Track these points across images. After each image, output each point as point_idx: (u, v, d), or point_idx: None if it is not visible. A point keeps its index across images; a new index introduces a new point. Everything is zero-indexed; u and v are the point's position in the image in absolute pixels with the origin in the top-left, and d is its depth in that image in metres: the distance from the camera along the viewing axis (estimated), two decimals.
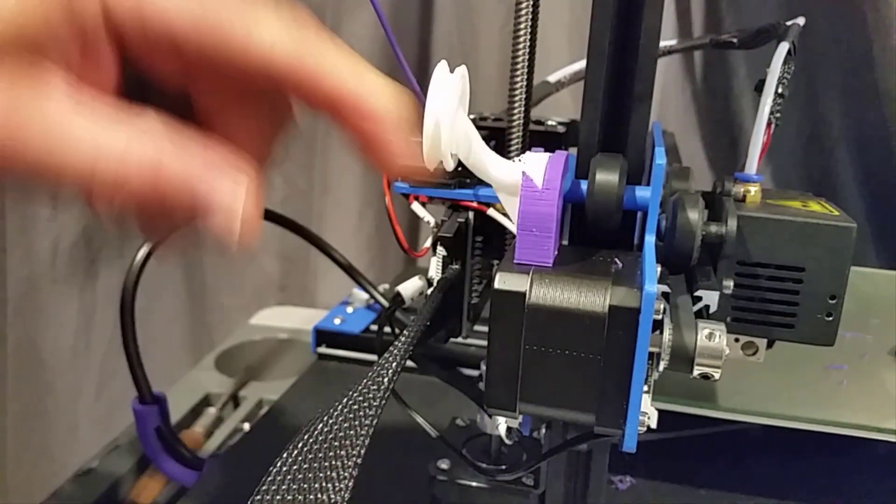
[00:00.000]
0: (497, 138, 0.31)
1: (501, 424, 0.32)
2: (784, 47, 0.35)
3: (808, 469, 0.44)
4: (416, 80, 0.28)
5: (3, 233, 0.68)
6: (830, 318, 0.32)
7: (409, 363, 0.26)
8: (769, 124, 0.34)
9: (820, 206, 0.34)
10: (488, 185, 0.27)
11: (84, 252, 0.71)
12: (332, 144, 0.78)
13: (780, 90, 0.34)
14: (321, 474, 0.21)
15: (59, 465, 0.72)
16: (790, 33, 0.36)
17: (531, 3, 0.29)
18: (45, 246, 0.68)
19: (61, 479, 0.47)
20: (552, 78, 0.43)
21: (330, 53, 0.22)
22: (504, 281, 0.24)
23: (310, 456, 0.21)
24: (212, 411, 0.55)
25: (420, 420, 0.32)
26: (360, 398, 0.23)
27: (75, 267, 0.70)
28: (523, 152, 0.27)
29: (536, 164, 0.25)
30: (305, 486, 0.20)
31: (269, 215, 0.65)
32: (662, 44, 0.45)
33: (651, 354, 0.24)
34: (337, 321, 0.60)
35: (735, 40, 0.42)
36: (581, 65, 0.42)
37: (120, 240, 0.74)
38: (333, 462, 0.21)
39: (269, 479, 0.21)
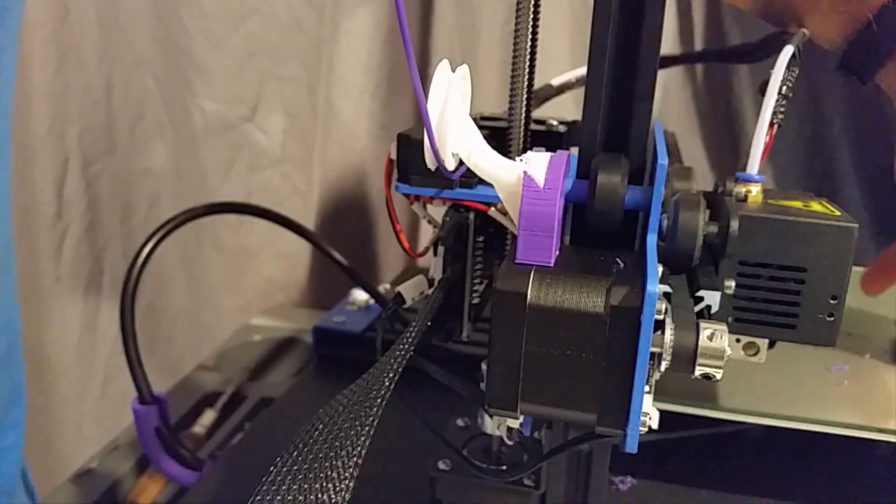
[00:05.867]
0: (498, 138, 0.31)
1: (502, 425, 0.32)
2: (789, 50, 0.34)
3: (809, 469, 0.44)
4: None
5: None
6: (832, 319, 0.32)
7: (410, 363, 0.26)
8: (771, 125, 0.34)
9: (821, 206, 0.34)
10: (489, 185, 0.27)
11: (88, 250, 0.71)
12: (332, 143, 0.78)
13: (783, 91, 0.34)
14: (322, 474, 0.21)
15: (65, 462, 0.72)
16: (795, 38, 0.36)
17: (532, 2, 0.29)
18: (50, 243, 0.68)
19: (65, 476, 0.47)
20: (556, 81, 0.43)
21: None
22: (505, 281, 0.24)
23: (310, 456, 0.21)
24: (212, 411, 0.55)
25: (421, 420, 0.32)
26: (361, 398, 0.23)
27: (80, 265, 0.71)
28: (525, 152, 0.27)
29: (538, 164, 0.25)
30: (306, 486, 0.20)
31: (269, 215, 0.65)
32: (666, 52, 0.45)
33: (652, 355, 0.23)
34: (337, 321, 0.60)
35: (741, 54, 0.42)
36: (585, 69, 0.42)
37: (123, 238, 0.74)
38: (334, 462, 0.21)
39: (270, 479, 0.21)
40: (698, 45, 0.69)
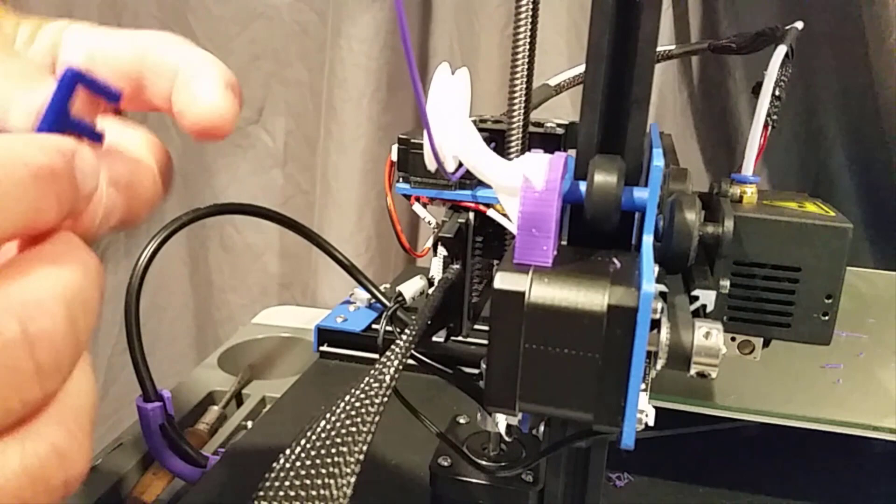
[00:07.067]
0: (497, 140, 0.31)
1: (501, 422, 0.32)
2: (782, 50, 0.35)
3: (804, 466, 0.45)
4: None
5: None
6: (826, 318, 0.32)
7: (411, 361, 0.26)
8: (766, 126, 0.34)
9: (816, 206, 0.34)
10: (488, 187, 0.27)
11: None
12: (333, 145, 0.78)
13: (777, 92, 0.34)
14: (324, 471, 0.21)
15: None
16: (788, 36, 0.36)
17: (531, 6, 0.29)
18: None
19: None
20: (553, 81, 0.43)
21: None
22: (504, 280, 0.24)
23: (312, 453, 0.22)
24: (215, 409, 0.56)
25: (421, 417, 0.33)
26: (363, 396, 0.23)
27: None
28: (523, 154, 0.27)
29: (536, 166, 0.25)
30: (308, 482, 0.21)
31: (272, 215, 0.65)
32: (661, 48, 0.45)
33: (649, 353, 0.24)
34: (339, 320, 0.61)
35: (734, 45, 0.42)
36: (581, 69, 0.43)
37: (126, 238, 0.75)
38: (336, 459, 0.21)
39: (273, 475, 0.21)
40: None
